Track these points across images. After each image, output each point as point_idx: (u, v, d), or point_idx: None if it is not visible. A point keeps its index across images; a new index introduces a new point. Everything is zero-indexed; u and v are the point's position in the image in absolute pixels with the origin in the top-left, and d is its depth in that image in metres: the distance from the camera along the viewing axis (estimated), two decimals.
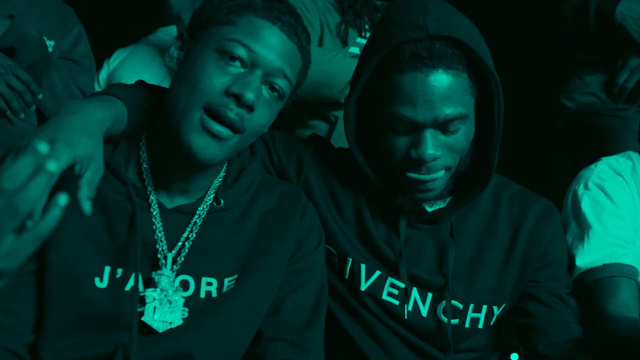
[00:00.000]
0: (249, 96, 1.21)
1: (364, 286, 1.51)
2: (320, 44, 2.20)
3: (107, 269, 1.25)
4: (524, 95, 2.35)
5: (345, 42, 2.21)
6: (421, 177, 1.40)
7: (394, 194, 1.48)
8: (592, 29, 2.14)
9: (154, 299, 1.26)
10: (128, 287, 1.25)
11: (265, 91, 1.25)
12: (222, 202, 1.34)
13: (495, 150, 1.43)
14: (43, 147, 0.97)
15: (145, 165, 1.32)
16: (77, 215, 1.17)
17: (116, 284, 1.25)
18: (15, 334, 1.22)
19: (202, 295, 1.30)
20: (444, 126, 1.36)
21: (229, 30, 1.24)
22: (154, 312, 1.25)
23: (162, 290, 1.26)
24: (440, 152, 1.37)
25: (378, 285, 1.50)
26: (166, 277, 1.27)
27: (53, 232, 1.11)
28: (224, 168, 1.38)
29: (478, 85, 1.38)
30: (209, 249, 1.31)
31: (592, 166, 1.72)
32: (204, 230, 1.32)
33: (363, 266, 1.50)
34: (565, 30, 2.21)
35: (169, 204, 1.32)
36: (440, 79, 1.31)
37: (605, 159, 1.74)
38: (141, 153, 1.32)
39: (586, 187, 1.67)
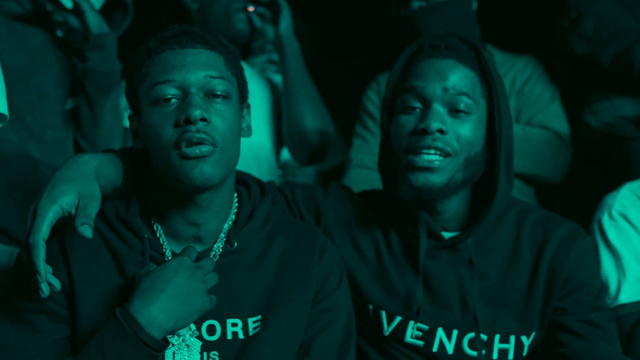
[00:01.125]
0: (194, 113, 1.27)
1: (387, 331, 1.52)
2: None
3: None
4: None
5: None
6: (424, 155, 1.42)
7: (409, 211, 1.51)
8: (636, 76, 2.14)
9: (173, 345, 1.31)
10: None
11: (212, 103, 1.31)
12: (236, 243, 1.37)
13: (499, 161, 1.46)
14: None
15: (155, 219, 1.39)
16: (103, 281, 1.33)
17: None
18: None
19: (230, 336, 1.34)
20: (452, 103, 1.44)
21: (148, 82, 1.33)
22: (174, 356, 1.31)
23: (179, 335, 1.31)
24: (446, 127, 1.43)
25: (400, 329, 1.51)
26: None
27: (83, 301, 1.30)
28: (234, 211, 1.41)
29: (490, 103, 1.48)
30: (228, 290, 1.35)
31: (615, 192, 1.73)
32: (222, 273, 1.35)
33: (383, 313, 1.52)
34: (601, 68, 2.22)
35: None
36: (453, 64, 1.46)
37: (628, 184, 1.74)
38: (150, 209, 1.40)
39: (611, 216, 1.69)
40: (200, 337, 1.34)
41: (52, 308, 1.31)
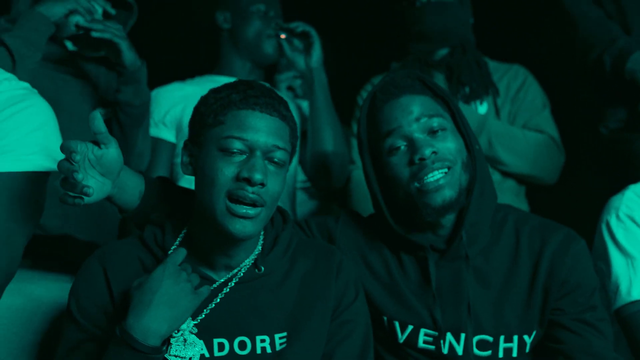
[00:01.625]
0: (257, 177, 1.41)
1: (401, 339, 1.66)
2: None
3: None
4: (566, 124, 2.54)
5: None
6: (431, 178, 1.57)
7: (415, 235, 1.65)
8: (611, 81, 2.32)
9: (172, 336, 1.43)
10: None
11: (269, 165, 1.45)
12: (263, 268, 1.52)
13: (475, 166, 1.62)
14: None
15: (189, 247, 1.51)
16: None
17: None
18: None
19: (259, 351, 1.48)
20: (428, 127, 1.60)
21: (222, 130, 1.45)
22: (171, 348, 1.44)
23: (178, 330, 1.43)
24: (436, 148, 1.58)
25: (413, 337, 1.65)
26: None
27: None
28: (261, 240, 1.56)
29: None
30: (257, 309, 1.50)
31: (620, 195, 1.83)
32: (250, 294, 1.50)
33: (397, 323, 1.66)
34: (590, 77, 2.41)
35: (217, 279, 1.52)
36: (410, 98, 1.63)
37: (632, 187, 1.84)
38: (180, 239, 1.53)
39: (618, 218, 1.80)
40: (232, 353, 1.47)
41: (100, 336, 1.44)
